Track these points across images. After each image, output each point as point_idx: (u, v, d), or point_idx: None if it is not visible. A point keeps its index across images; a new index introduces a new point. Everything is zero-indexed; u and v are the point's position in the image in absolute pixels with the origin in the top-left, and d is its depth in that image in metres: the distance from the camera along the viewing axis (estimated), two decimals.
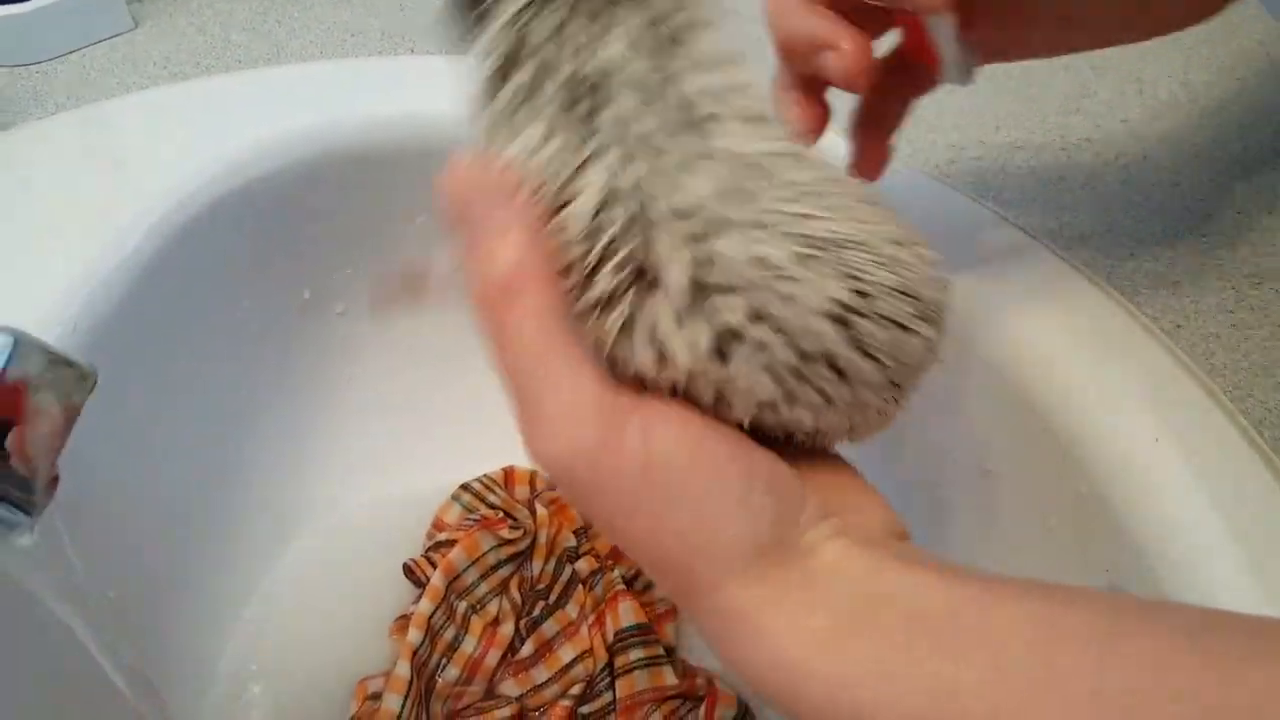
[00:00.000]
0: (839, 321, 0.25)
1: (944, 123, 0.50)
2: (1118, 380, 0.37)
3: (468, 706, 0.49)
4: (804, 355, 0.25)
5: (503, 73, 0.25)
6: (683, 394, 0.26)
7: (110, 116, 0.51)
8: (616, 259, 0.24)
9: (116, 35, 0.58)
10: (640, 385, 0.26)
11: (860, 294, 0.25)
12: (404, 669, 0.47)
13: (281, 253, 0.50)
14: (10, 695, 0.36)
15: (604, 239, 0.24)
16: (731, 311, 0.24)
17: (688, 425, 0.26)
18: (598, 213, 0.24)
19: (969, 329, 0.41)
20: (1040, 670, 0.23)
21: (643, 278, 0.24)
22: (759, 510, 0.25)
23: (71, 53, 0.57)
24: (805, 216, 0.25)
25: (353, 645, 0.50)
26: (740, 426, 0.27)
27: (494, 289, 0.24)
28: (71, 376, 0.27)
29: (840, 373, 0.26)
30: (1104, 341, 0.38)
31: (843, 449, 0.31)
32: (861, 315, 0.25)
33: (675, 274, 0.24)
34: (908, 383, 0.28)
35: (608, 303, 0.25)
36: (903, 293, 0.26)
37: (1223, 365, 0.38)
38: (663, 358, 0.25)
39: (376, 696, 0.47)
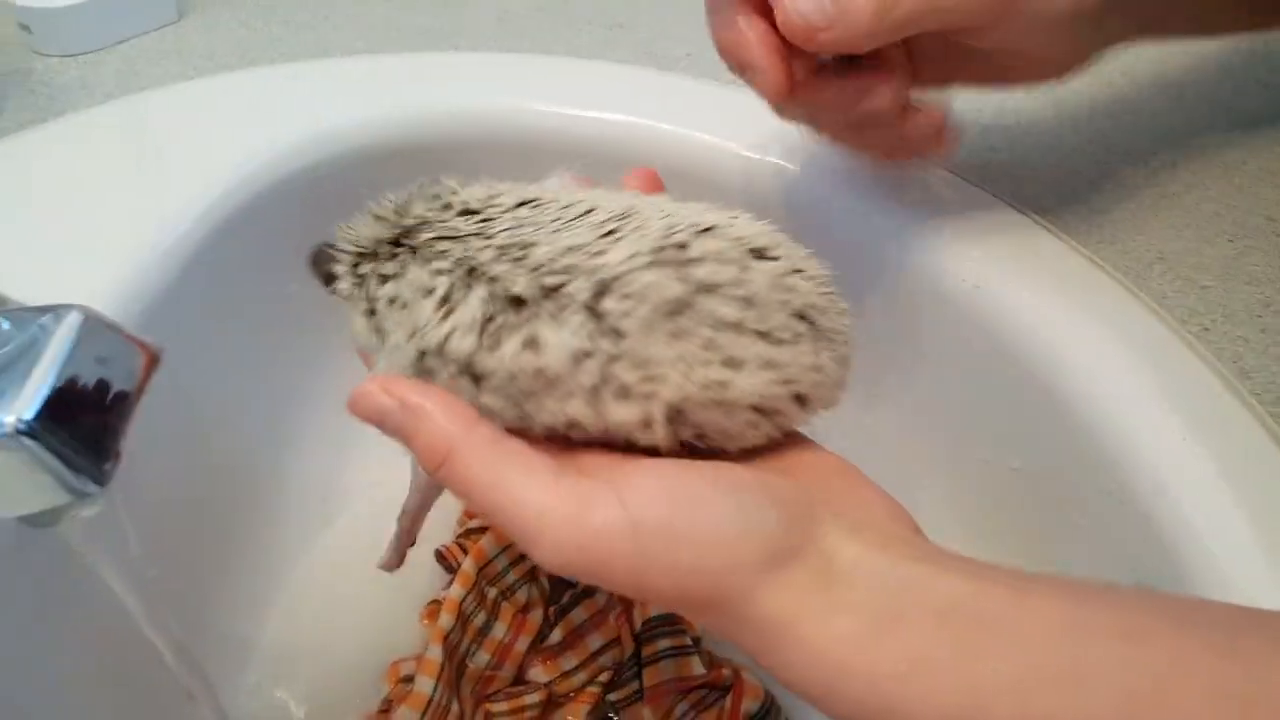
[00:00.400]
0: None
1: (974, 125, 0.51)
2: (1146, 380, 0.38)
3: (497, 691, 0.50)
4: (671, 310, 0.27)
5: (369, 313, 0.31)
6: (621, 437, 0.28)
7: (156, 107, 0.52)
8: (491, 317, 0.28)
9: (163, 27, 0.60)
10: (599, 443, 0.29)
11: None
12: (436, 652, 0.48)
13: (317, 236, 0.51)
14: (66, 663, 0.38)
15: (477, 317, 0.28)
16: (579, 292, 0.27)
17: (653, 473, 0.27)
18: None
19: (997, 329, 0.41)
20: (1071, 666, 0.24)
21: (515, 304, 0.27)
22: (762, 522, 0.26)
23: (119, 44, 0.58)
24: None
25: (386, 628, 0.51)
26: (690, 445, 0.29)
27: (434, 468, 0.27)
28: (137, 354, 0.28)
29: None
30: (1132, 343, 0.39)
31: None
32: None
33: (523, 284, 0.27)
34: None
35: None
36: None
37: (1251, 368, 0.38)
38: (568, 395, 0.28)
39: (409, 679, 0.48)
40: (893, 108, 0.38)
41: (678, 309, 0.27)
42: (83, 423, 0.26)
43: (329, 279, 0.33)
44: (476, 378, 0.28)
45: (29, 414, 0.26)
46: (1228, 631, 0.25)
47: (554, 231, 0.28)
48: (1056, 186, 0.47)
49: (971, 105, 0.50)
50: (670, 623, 0.50)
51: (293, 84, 0.52)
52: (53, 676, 0.37)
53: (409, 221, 0.30)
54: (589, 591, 0.52)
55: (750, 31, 0.35)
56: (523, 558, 0.52)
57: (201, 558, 0.47)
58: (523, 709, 0.49)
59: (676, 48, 0.57)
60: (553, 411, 0.28)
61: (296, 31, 0.59)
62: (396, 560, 0.44)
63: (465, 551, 0.52)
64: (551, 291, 0.27)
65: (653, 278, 0.27)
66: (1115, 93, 0.53)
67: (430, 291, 0.29)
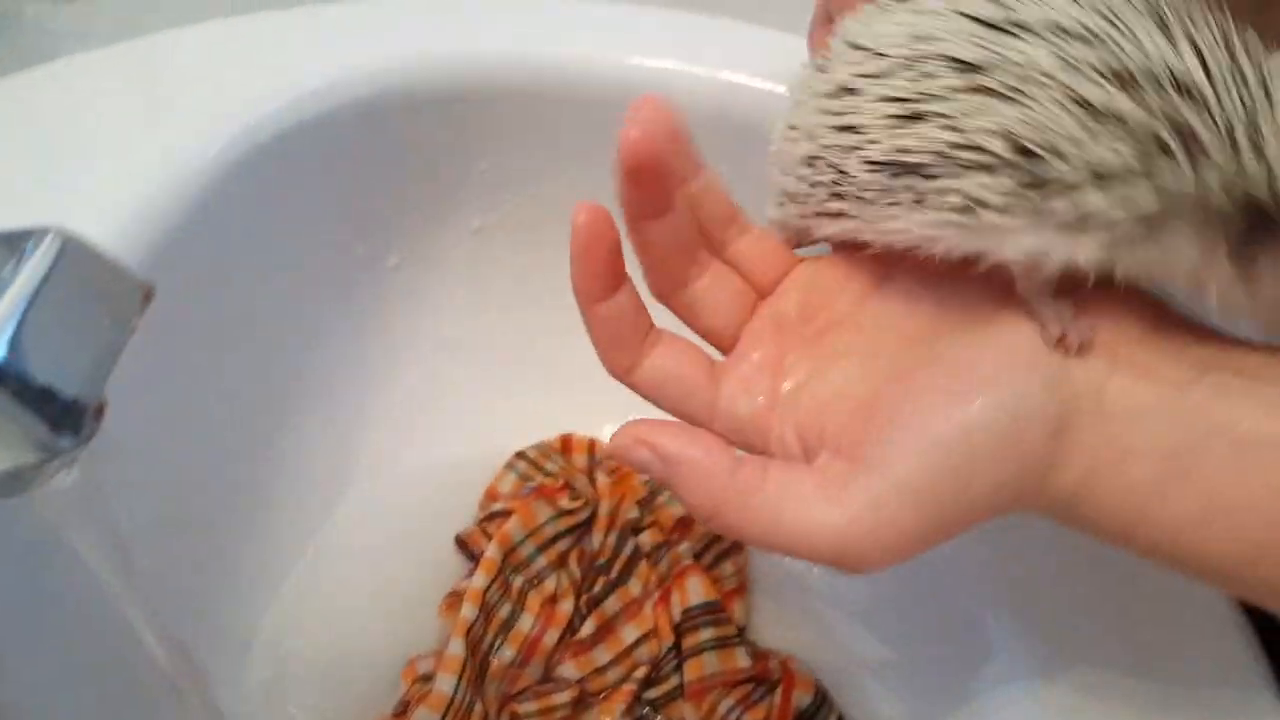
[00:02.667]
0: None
1: None
2: None
3: (524, 690, 0.45)
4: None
5: None
6: None
7: (161, 51, 0.47)
8: None
9: None
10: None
11: None
12: (458, 647, 0.43)
13: (339, 198, 0.46)
14: (44, 655, 0.33)
15: None
16: None
17: (885, 422, 0.27)
18: None
19: None
20: None
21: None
22: (1022, 408, 0.26)
23: None
24: None
25: (400, 622, 0.46)
26: None
27: (705, 521, 0.28)
28: (125, 288, 0.24)
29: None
30: None
31: None
32: None
33: None
34: None
35: None
36: None
37: None
38: None
39: (428, 678, 0.43)
40: None
41: None
42: (57, 364, 0.22)
43: None
44: None
45: None
46: None
47: None
48: None
49: None
50: (713, 611, 0.45)
51: (306, 28, 0.47)
52: (30, 669, 0.33)
53: None
54: (624, 578, 0.48)
55: None
56: (553, 542, 0.47)
57: (201, 537, 0.42)
58: (552, 709, 0.44)
59: None
60: None
61: None
62: None
63: (488, 537, 0.47)
64: None
65: None
66: None
67: None
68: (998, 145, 0.25)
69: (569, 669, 0.46)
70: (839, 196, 0.29)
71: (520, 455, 0.50)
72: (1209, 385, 0.25)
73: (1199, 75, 0.24)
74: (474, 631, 0.44)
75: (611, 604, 0.47)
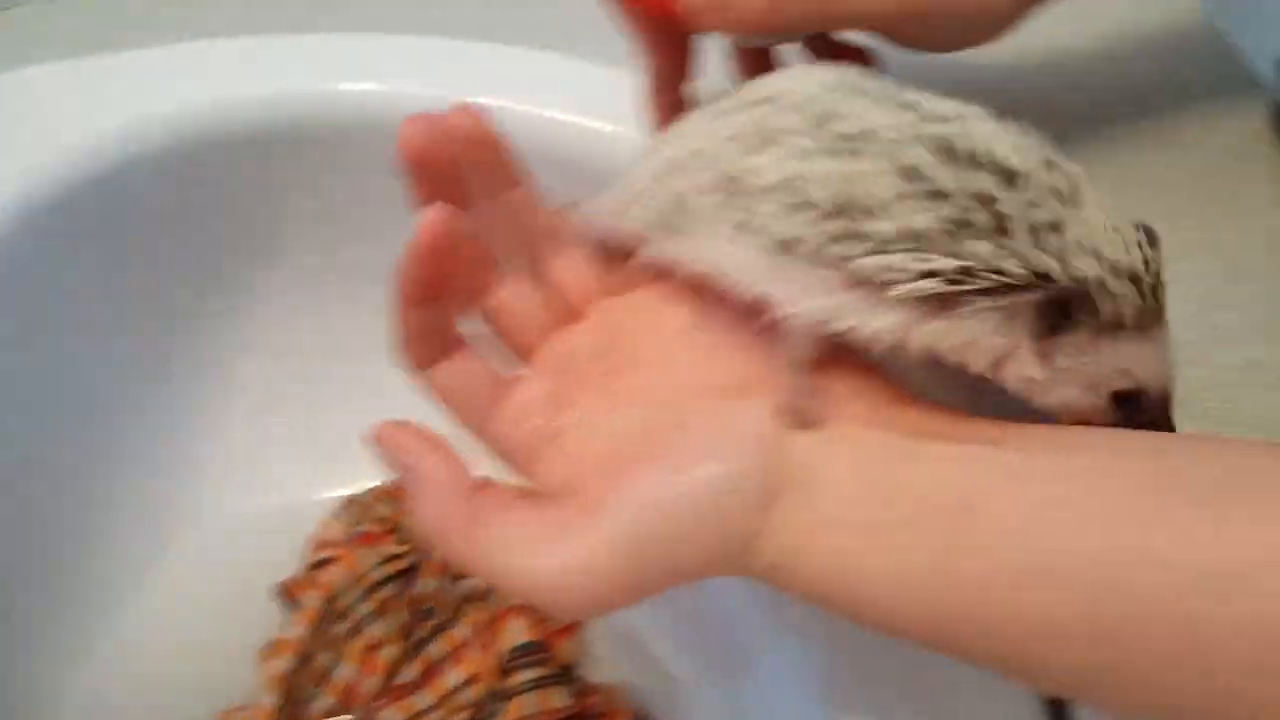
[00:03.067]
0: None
1: None
2: None
3: None
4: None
5: None
6: None
7: None
8: None
9: None
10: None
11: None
12: (270, 699, 0.43)
13: (145, 248, 0.46)
14: None
15: None
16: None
17: (618, 482, 0.27)
18: None
19: None
20: (1041, 562, 0.24)
21: None
22: (737, 486, 0.26)
23: None
24: None
25: (220, 674, 0.46)
26: None
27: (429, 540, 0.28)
28: None
29: None
30: None
31: None
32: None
33: None
34: None
35: None
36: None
37: None
38: None
39: None
40: None
41: None
42: None
43: None
44: None
45: None
46: (1208, 492, 0.24)
47: None
48: None
49: None
50: (533, 653, 0.45)
51: (121, 73, 0.47)
52: None
53: None
54: (451, 622, 0.47)
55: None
56: (378, 588, 0.47)
57: (8, 592, 0.42)
58: None
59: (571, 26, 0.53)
60: None
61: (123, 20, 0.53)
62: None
63: (311, 585, 0.47)
64: None
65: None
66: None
67: None
68: (821, 194, 0.27)
69: (391, 714, 0.45)
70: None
71: (351, 501, 0.50)
72: (915, 456, 0.26)
73: (1016, 161, 0.27)
74: (290, 682, 0.44)
75: (437, 648, 0.47)
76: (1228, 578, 0.22)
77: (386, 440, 0.29)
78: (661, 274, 0.32)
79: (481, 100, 0.46)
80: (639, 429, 0.29)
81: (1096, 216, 0.27)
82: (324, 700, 0.45)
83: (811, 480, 0.26)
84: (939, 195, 0.26)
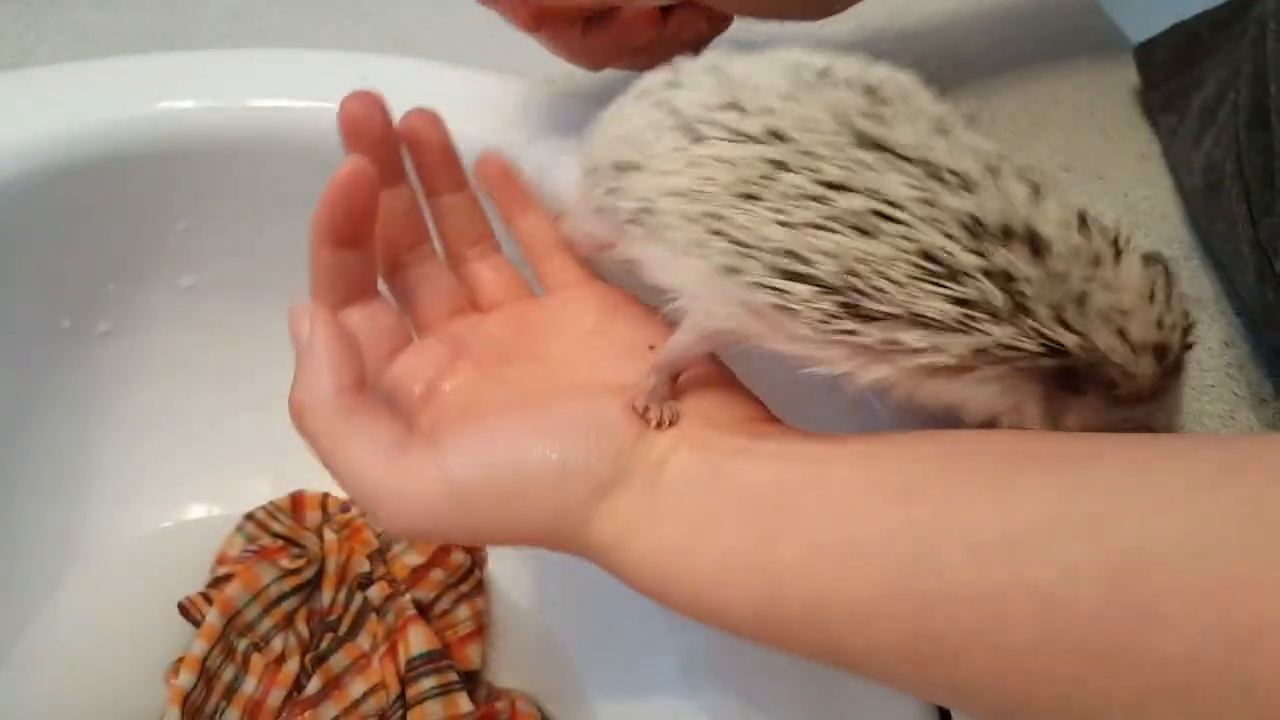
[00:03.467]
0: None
1: None
2: None
3: None
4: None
5: None
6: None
7: None
8: None
9: None
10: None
11: None
12: (173, 716, 0.43)
13: (40, 267, 0.46)
14: None
15: None
16: None
17: (479, 430, 0.29)
18: None
19: None
20: (848, 540, 0.24)
21: None
22: (587, 463, 0.28)
23: None
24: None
25: (126, 694, 0.46)
26: None
27: (293, 416, 0.30)
28: None
29: None
30: None
31: None
32: None
33: None
34: None
35: None
36: None
37: None
38: None
39: None
40: (654, 32, 0.39)
41: None
42: None
43: None
44: None
45: None
46: (1001, 464, 0.24)
47: None
48: None
49: None
50: (435, 660, 0.46)
51: None
52: None
53: None
54: (352, 634, 0.48)
55: None
56: (278, 602, 0.48)
57: None
58: None
59: (428, 33, 0.54)
60: None
61: None
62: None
63: (210, 602, 0.47)
64: None
65: None
66: None
67: None
68: (829, 267, 0.25)
69: None
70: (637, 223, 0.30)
71: (249, 517, 0.50)
72: (749, 455, 0.28)
73: (1050, 230, 0.25)
74: (193, 699, 0.44)
75: (339, 660, 0.47)
76: (1007, 549, 0.22)
77: (296, 315, 0.30)
78: (592, 277, 0.36)
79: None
80: (510, 401, 0.31)
81: (1130, 279, 0.25)
82: (229, 715, 0.45)
83: (655, 475, 0.28)
84: (956, 275, 0.25)
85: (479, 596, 0.50)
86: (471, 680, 0.47)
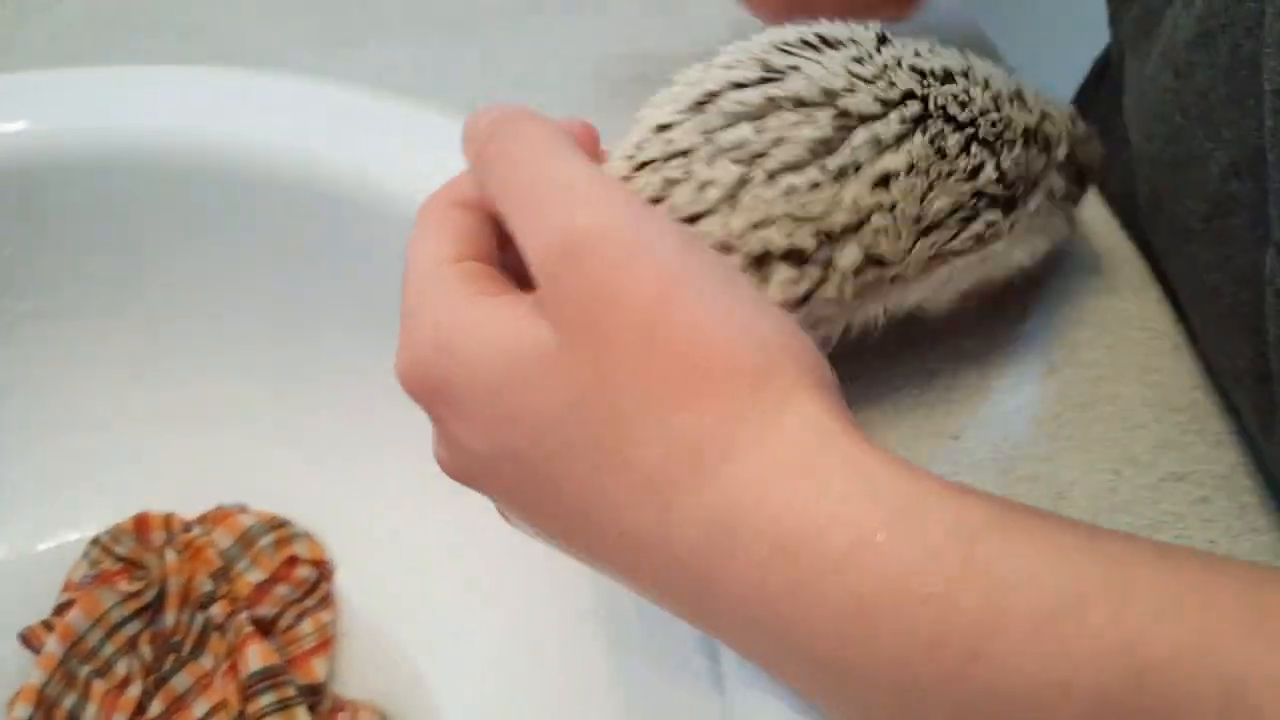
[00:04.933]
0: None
1: None
2: None
3: None
4: None
5: None
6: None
7: None
8: None
9: None
10: None
11: None
12: None
13: None
14: None
15: None
16: None
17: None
18: None
19: None
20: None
21: None
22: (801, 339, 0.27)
23: None
24: None
25: None
26: None
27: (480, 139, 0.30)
28: None
29: None
30: None
31: None
32: None
33: None
34: None
35: None
36: None
37: None
38: None
39: None
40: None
41: None
42: None
43: None
44: None
45: None
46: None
47: None
48: None
49: None
50: (273, 676, 0.47)
51: None
52: None
53: None
54: (195, 654, 0.48)
55: None
56: (120, 627, 0.48)
57: None
58: None
59: (260, 46, 0.54)
60: None
61: None
62: None
63: (51, 629, 0.47)
64: None
65: None
66: None
67: None
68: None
69: None
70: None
71: (94, 542, 0.51)
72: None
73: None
74: None
75: (182, 680, 0.48)
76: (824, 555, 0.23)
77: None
78: None
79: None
80: None
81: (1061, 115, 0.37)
82: None
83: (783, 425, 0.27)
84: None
85: (325, 610, 0.51)
86: (316, 693, 0.48)
